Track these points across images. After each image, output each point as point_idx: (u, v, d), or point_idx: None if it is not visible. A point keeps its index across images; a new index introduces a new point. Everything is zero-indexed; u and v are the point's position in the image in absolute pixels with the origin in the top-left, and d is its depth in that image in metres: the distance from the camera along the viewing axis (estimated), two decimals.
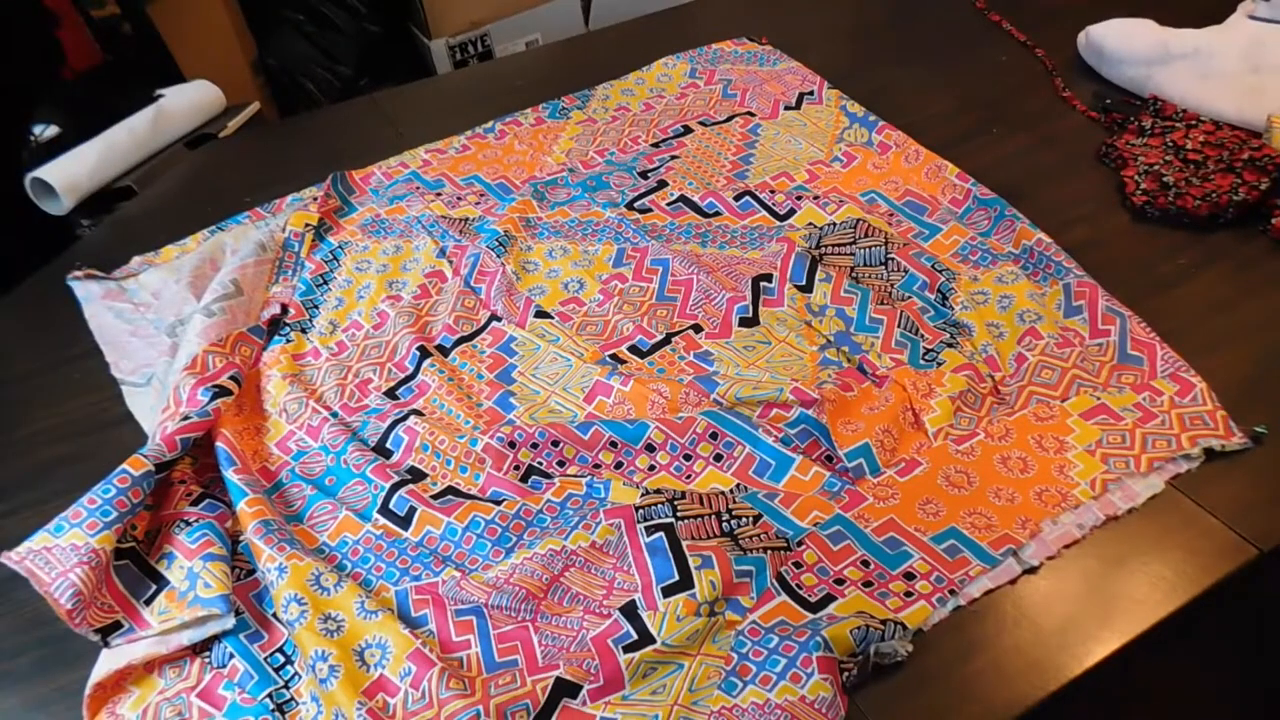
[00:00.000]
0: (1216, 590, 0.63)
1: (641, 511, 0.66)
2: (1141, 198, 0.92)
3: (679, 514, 0.66)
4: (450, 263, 0.93)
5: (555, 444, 0.73)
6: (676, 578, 0.61)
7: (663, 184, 1.01)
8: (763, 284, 0.85)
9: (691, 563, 0.61)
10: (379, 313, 0.89)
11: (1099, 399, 0.73)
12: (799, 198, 0.96)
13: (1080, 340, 0.78)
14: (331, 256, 0.95)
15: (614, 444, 0.73)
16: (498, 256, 0.91)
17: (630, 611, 0.60)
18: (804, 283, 0.85)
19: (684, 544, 0.63)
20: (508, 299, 0.88)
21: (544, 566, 0.64)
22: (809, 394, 0.72)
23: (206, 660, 0.62)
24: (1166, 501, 0.67)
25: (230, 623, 0.63)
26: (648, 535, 0.64)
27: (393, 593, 0.65)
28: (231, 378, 0.78)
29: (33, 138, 1.35)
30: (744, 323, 0.83)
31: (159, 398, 0.80)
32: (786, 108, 1.12)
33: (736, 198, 0.97)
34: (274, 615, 0.64)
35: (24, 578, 0.62)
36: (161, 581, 0.66)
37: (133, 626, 0.63)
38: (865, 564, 0.64)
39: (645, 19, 1.36)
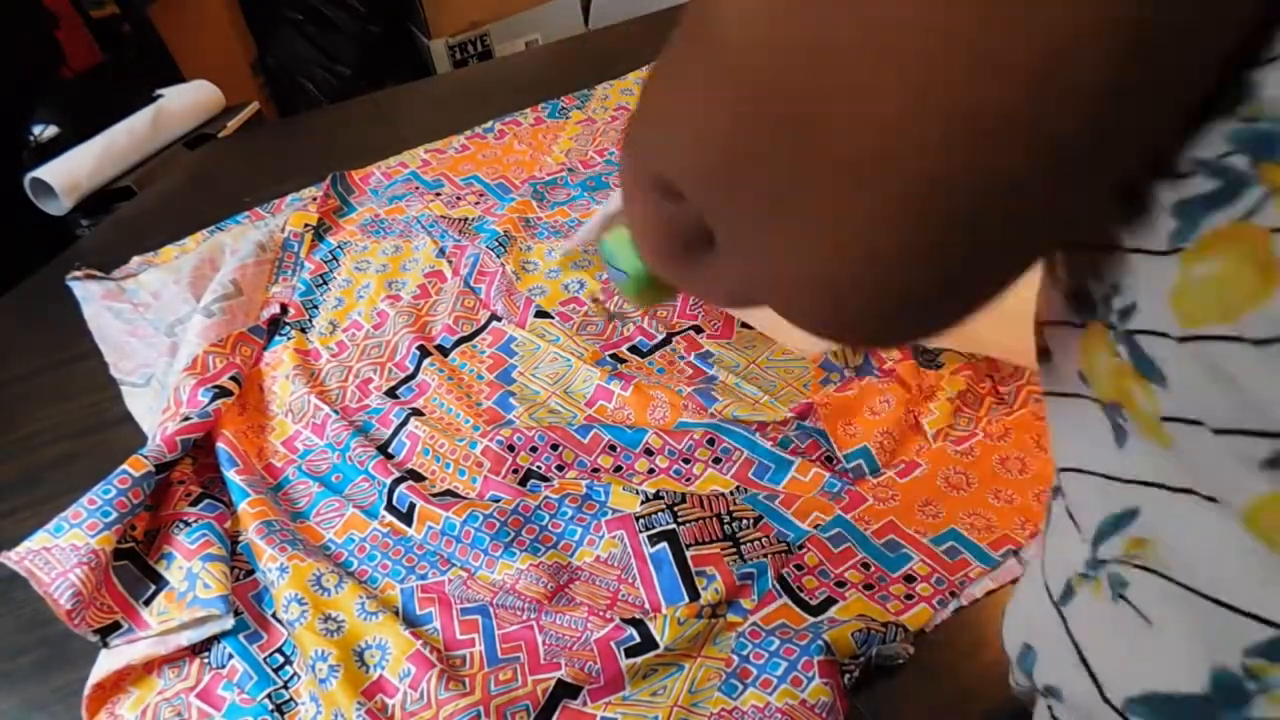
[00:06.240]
0: None
1: (642, 521, 0.66)
2: None
3: (680, 519, 0.66)
4: (450, 263, 0.93)
5: (554, 448, 0.73)
6: (686, 600, 0.61)
7: None
8: None
9: (698, 583, 0.62)
10: (379, 312, 0.89)
11: None
12: None
13: None
14: (331, 256, 0.95)
15: (613, 447, 0.73)
16: (497, 256, 0.91)
17: (634, 617, 0.61)
18: None
19: (688, 553, 0.63)
20: (508, 299, 0.87)
21: (550, 576, 0.64)
22: (806, 404, 0.72)
23: (205, 661, 0.62)
24: None
25: (229, 623, 0.63)
26: (651, 545, 0.64)
27: (398, 590, 0.65)
28: (232, 378, 0.78)
29: (32, 138, 1.35)
30: (745, 324, 0.83)
31: (158, 398, 0.80)
32: None
33: None
34: (273, 615, 0.64)
35: (23, 578, 0.62)
36: (161, 582, 0.65)
37: (132, 627, 0.63)
38: (866, 566, 0.64)
39: (645, 19, 1.36)
